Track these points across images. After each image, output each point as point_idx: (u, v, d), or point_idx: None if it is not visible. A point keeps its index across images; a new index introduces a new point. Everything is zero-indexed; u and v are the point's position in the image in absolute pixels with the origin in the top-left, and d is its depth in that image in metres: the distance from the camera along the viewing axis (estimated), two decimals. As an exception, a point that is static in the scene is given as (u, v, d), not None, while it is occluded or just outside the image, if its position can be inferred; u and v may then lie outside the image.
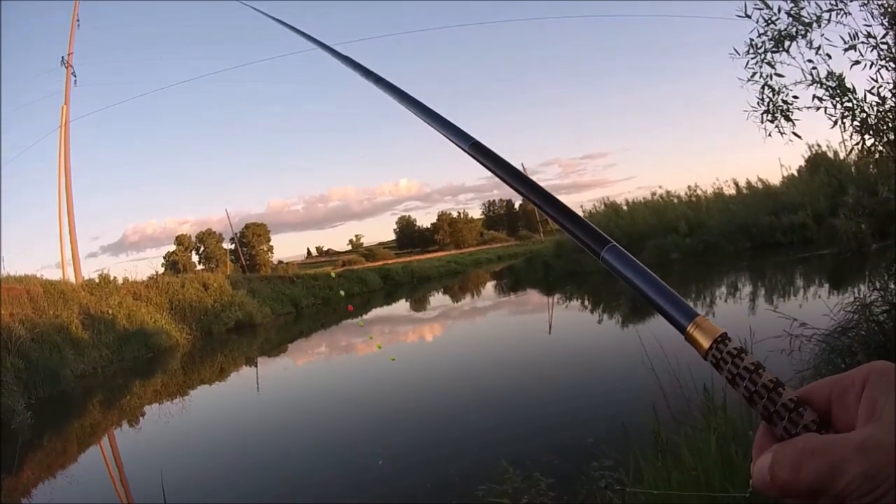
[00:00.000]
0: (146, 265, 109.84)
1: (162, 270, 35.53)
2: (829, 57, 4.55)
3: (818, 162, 25.54)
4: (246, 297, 29.35)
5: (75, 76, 31.03)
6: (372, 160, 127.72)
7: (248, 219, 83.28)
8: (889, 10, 4.38)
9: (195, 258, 78.66)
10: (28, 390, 14.65)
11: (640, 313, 14.38)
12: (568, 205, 0.69)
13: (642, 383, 5.31)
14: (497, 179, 0.76)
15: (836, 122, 4.64)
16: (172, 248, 78.38)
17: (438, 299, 34.33)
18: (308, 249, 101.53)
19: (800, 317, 4.57)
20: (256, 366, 18.42)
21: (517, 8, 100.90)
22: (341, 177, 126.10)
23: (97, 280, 25.53)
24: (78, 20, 31.75)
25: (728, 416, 3.57)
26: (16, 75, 69.68)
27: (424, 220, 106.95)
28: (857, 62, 4.37)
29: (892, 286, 4.48)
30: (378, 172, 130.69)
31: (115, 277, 26.10)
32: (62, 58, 31.03)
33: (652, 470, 3.48)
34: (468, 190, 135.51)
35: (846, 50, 4.37)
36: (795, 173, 29.37)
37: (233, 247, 76.56)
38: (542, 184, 0.73)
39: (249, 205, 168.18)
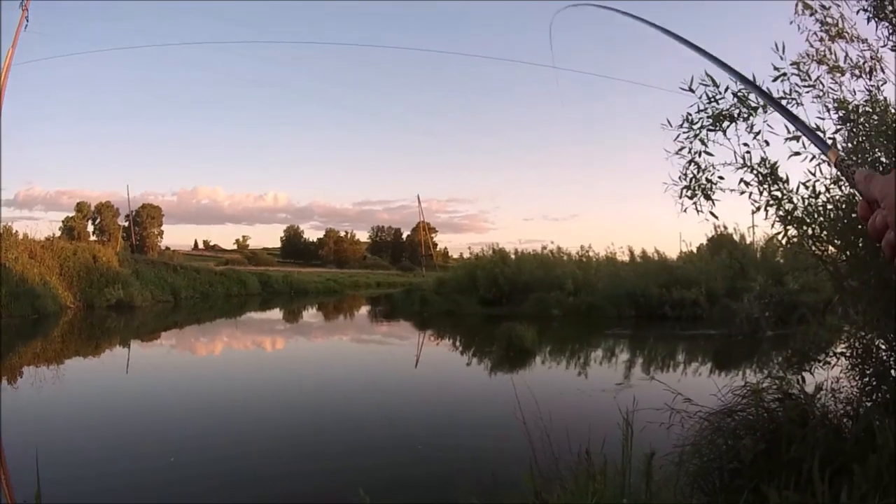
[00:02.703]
0: (45, 225, 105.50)
1: (58, 234, 34.79)
2: (767, 144, 4.47)
3: (722, 242, 26.33)
4: (130, 277, 29.28)
5: (27, 21, 29.38)
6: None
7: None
8: (843, 105, 4.36)
9: (90, 228, 76.73)
10: None
11: (514, 363, 14.14)
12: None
13: (509, 433, 5.12)
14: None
15: (758, 209, 4.58)
16: (64, 214, 76.72)
17: (311, 315, 34.33)
18: (196, 241, 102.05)
19: (684, 393, 4.47)
20: (129, 347, 18.14)
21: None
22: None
23: (1, 231, 24.51)
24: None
25: (607, 481, 3.40)
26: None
27: (311, 234, 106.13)
28: (798, 153, 4.30)
29: (789, 376, 4.40)
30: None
31: (16, 231, 25.37)
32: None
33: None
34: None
35: (788, 140, 4.28)
36: (695, 250, 30.11)
37: (127, 224, 76.05)
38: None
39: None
